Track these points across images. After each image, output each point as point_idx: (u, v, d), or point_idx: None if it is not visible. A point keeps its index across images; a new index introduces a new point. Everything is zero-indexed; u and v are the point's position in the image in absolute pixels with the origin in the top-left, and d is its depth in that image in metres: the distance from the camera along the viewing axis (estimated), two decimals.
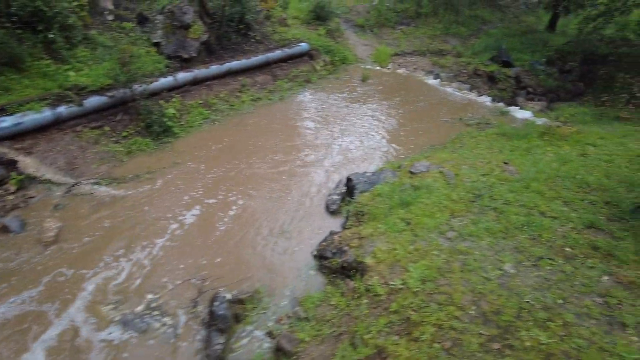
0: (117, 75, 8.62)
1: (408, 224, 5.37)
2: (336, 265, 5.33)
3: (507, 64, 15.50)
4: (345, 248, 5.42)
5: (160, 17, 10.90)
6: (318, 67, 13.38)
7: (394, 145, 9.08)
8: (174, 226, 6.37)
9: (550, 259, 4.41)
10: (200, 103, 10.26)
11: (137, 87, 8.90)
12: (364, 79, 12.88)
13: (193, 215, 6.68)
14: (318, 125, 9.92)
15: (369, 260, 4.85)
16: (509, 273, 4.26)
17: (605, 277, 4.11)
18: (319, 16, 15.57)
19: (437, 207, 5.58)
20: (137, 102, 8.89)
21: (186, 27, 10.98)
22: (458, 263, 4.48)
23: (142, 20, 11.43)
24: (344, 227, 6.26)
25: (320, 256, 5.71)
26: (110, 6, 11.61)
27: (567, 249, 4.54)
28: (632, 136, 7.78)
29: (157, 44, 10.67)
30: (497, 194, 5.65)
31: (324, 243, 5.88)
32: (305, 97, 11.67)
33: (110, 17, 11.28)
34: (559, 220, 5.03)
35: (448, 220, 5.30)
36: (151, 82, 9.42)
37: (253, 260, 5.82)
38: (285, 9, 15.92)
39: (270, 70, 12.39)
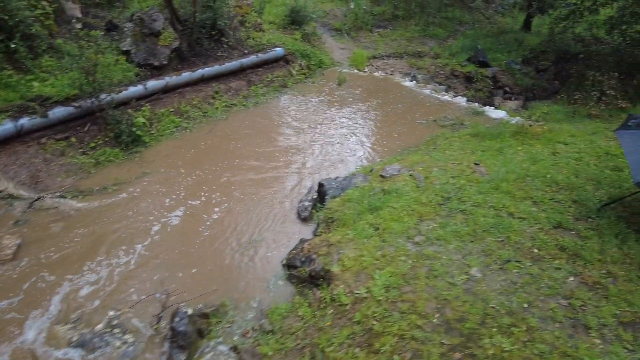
0: (83, 85, 8.39)
1: (376, 229, 5.27)
2: (304, 274, 5.20)
3: (484, 64, 15.62)
4: (314, 256, 5.29)
5: (129, 24, 10.68)
6: (294, 72, 13.27)
7: (368, 148, 9.01)
8: (138, 239, 6.16)
9: (517, 261, 4.34)
10: (172, 111, 10.05)
11: (105, 97, 8.68)
12: (339, 83, 12.81)
13: (159, 227, 6.48)
14: (293, 130, 9.79)
15: (335, 269, 4.73)
16: (475, 277, 4.17)
17: (571, 279, 4.05)
18: (295, 21, 15.48)
19: (405, 211, 5.48)
20: (104, 112, 8.66)
21: (156, 34, 10.77)
22: (424, 268, 4.38)
23: (112, 28, 11.20)
24: (315, 234, 6.13)
25: (289, 265, 5.56)
26: (78, 14, 11.36)
27: (535, 251, 4.48)
28: (601, 133, 7.82)
29: (126, 52, 10.43)
30: (466, 196, 5.58)
31: (293, 251, 5.75)
32: (281, 102, 11.54)
33: (79, 26, 11.02)
34: (527, 221, 4.98)
35: (416, 224, 5.21)
36: (120, 91, 9.20)
37: (220, 272, 5.65)
38: (260, 14, 15.79)
39: (244, 76, 12.24)
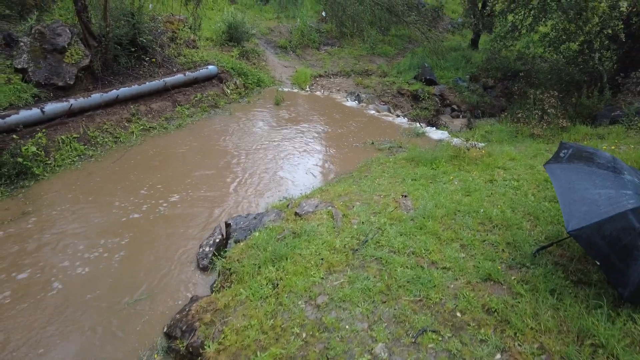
0: None
1: (275, 286, 4.26)
2: (183, 349, 4.10)
3: (431, 82, 15.26)
4: (197, 324, 4.21)
5: (26, 39, 9.36)
6: (228, 91, 12.26)
7: (296, 177, 8.06)
8: None
9: (434, 331, 3.43)
10: (76, 137, 8.76)
11: None
12: (277, 102, 11.90)
13: (19, 286, 5.19)
14: (214, 156, 8.72)
15: (211, 348, 3.66)
16: (379, 359, 3.22)
17: (498, 356, 3.17)
18: (233, 37, 14.58)
19: (314, 260, 4.51)
20: None
21: (61, 50, 9.51)
22: (318, 346, 3.39)
23: (10, 42, 9.83)
24: (212, 290, 5.05)
25: (169, 335, 4.44)
26: None
27: (457, 315, 3.60)
28: (542, 156, 7.23)
29: (22, 71, 9.09)
30: (385, 239, 4.69)
31: (178, 315, 4.62)
32: (208, 124, 10.47)
33: None
34: (452, 273, 4.12)
35: (323, 278, 4.24)
36: (6, 116, 7.90)
37: (82, 346, 4.43)
38: (196, 30, 14.79)
39: (170, 96, 11.12)
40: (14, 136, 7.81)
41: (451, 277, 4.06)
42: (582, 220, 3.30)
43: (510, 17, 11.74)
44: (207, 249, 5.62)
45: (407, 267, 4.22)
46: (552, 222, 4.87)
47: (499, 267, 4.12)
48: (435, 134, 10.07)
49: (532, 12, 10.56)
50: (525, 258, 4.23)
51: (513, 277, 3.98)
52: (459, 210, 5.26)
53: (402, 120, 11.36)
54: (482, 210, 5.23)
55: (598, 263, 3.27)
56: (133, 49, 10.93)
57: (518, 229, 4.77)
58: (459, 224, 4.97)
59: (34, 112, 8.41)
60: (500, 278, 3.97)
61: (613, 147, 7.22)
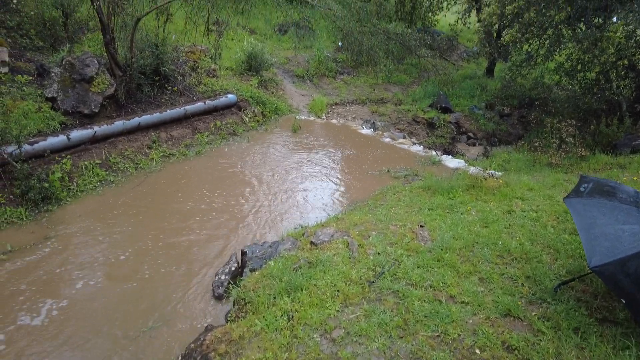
0: None
1: (290, 318, 4.23)
2: None
3: (447, 110, 15.33)
4: (211, 355, 4.19)
5: (57, 69, 9.83)
6: (247, 119, 12.54)
7: (312, 204, 8.10)
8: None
9: None
10: (98, 163, 9.03)
11: (13, 149, 7.71)
12: (294, 130, 12.11)
13: (40, 308, 5.28)
14: (229, 184, 8.85)
15: None
16: None
17: None
18: (252, 67, 15.00)
19: (329, 292, 4.48)
20: (10, 166, 7.63)
21: (88, 80, 9.93)
22: None
23: (42, 72, 10.33)
24: (227, 319, 5.04)
25: None
26: (5, 57, 10.49)
27: (476, 352, 3.51)
28: (560, 186, 7.13)
29: (52, 99, 9.51)
30: (402, 271, 4.64)
31: (193, 344, 4.61)
32: (226, 151, 10.67)
33: (4, 70, 10.12)
34: (470, 307, 4.03)
35: (338, 311, 4.20)
36: (34, 142, 8.23)
37: None
38: (217, 60, 15.29)
39: (190, 124, 11.42)
40: (56, 157, 8.12)
41: (470, 312, 3.97)
42: (605, 256, 3.23)
43: (525, 47, 11.84)
44: (222, 277, 5.65)
45: (424, 300, 4.16)
46: (573, 255, 4.77)
47: (519, 302, 4.03)
48: (451, 162, 10.04)
49: (546, 42, 10.65)
50: (546, 293, 4.12)
51: (534, 313, 3.87)
52: (477, 242, 5.19)
53: (418, 148, 11.38)
54: (500, 243, 5.15)
55: (624, 301, 3.17)
56: (156, 78, 11.35)
57: (538, 263, 4.67)
58: (477, 256, 4.89)
59: (60, 139, 8.72)
60: (520, 314, 3.87)
61: (635, 178, 7.08)
